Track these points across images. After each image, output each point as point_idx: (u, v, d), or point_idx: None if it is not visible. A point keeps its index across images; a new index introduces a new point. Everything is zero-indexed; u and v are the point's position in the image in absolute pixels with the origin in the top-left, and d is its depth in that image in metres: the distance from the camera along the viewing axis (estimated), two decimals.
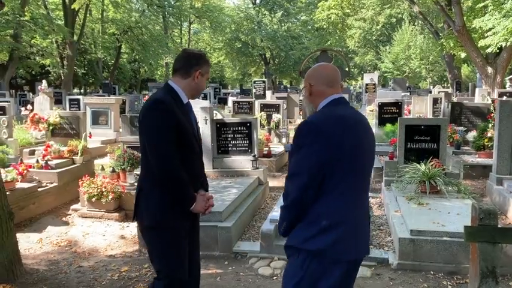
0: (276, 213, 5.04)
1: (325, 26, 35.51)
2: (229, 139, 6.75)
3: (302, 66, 6.36)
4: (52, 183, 6.28)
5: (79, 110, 12.44)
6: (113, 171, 6.08)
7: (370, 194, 6.68)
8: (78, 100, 13.35)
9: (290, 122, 13.67)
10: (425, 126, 6.07)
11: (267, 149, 8.30)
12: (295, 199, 2.08)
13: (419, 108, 13.94)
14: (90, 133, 10.12)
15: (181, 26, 43.75)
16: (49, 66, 29.44)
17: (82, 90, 37.50)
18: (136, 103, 15.09)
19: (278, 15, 41.54)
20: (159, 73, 43.67)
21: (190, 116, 2.60)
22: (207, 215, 2.72)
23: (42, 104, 10.40)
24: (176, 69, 2.56)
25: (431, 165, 5.55)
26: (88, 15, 32.09)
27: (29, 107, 10.03)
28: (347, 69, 6.43)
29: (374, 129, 10.37)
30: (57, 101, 18.02)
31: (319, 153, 2.01)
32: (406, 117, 8.62)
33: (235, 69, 47.36)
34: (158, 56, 34.14)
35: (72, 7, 16.52)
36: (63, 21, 26.53)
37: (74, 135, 7.22)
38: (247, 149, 6.72)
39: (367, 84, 19.69)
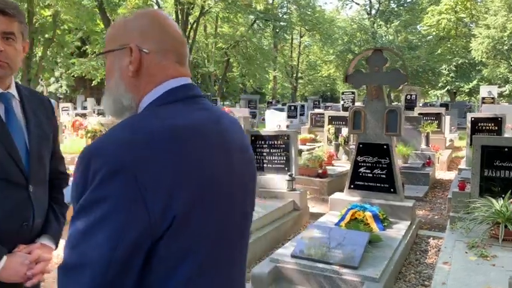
0: (282, 250, 4.04)
1: (434, 33, 32.08)
2: (264, 154, 5.83)
3: (350, 69, 5.21)
4: None
5: None
6: None
7: (433, 233, 5.23)
8: None
9: None
10: (510, 149, 4.50)
11: (324, 167, 7.18)
12: None
13: None
14: None
15: (292, 39, 43.55)
16: None
17: None
18: None
19: (394, 24, 39.00)
20: (269, 87, 43.95)
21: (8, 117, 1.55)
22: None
23: None
24: None
25: None
26: (203, 30, 33.74)
27: (71, 112, 10.28)
28: (404, 72, 5.11)
29: (465, 151, 8.41)
30: None
31: (132, 221, 0.84)
32: (483, 136, 6.82)
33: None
34: (263, 69, 34.24)
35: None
36: None
37: None
38: (284, 166, 5.74)
39: (483, 98, 16.99)
